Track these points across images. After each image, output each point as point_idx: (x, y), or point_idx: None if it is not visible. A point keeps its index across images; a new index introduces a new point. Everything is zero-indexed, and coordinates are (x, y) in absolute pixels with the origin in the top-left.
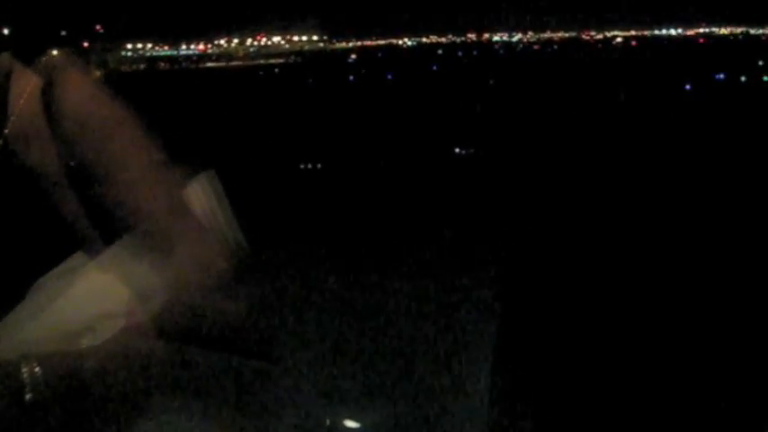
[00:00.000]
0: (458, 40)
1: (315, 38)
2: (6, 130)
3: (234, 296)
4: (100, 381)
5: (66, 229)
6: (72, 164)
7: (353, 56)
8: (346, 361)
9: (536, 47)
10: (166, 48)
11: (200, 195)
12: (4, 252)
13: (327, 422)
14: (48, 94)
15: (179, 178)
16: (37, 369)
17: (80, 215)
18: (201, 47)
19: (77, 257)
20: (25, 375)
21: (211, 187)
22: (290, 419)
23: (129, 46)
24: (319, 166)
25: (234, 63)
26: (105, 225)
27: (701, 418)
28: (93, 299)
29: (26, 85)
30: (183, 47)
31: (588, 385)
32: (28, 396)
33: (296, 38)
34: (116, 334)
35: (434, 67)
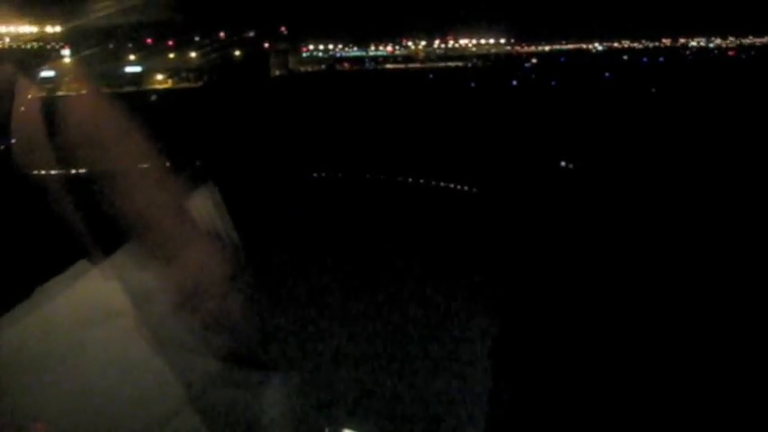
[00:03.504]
0: (651, 45)
1: (502, 41)
2: (10, 138)
3: (233, 303)
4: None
5: (70, 237)
6: (75, 172)
7: (534, 60)
8: (346, 368)
9: (730, 53)
10: (355, 48)
11: (201, 205)
12: (9, 259)
13: (326, 430)
14: (52, 103)
15: (182, 189)
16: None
17: (83, 223)
18: (390, 48)
19: (81, 265)
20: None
21: (212, 198)
22: (289, 426)
23: (321, 47)
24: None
25: (412, 65)
26: (108, 233)
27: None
28: (95, 304)
29: (29, 94)
30: (372, 48)
31: (589, 398)
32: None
33: (483, 40)
34: None
35: (606, 75)
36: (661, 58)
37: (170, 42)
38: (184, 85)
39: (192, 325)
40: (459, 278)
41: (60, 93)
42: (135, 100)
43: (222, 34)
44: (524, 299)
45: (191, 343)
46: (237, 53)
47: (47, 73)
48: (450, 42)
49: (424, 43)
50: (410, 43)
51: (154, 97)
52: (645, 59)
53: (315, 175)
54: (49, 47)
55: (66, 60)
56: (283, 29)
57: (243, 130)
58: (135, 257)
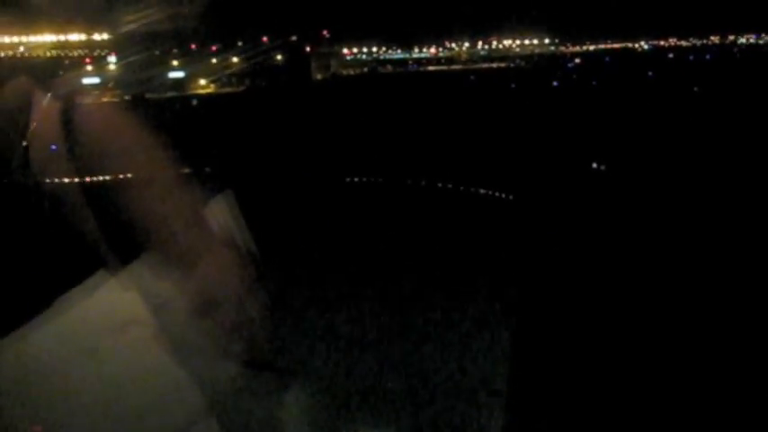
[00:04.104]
0: (698, 42)
1: (547, 41)
2: (26, 150)
3: (250, 311)
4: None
5: (87, 247)
6: (92, 181)
7: (577, 60)
8: (362, 373)
9: None
10: (399, 51)
11: (218, 214)
12: (27, 270)
13: None
14: (68, 114)
15: (199, 197)
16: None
17: (100, 233)
18: (433, 50)
19: (99, 275)
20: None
21: (228, 206)
22: (305, 431)
23: (365, 49)
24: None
25: (455, 67)
26: (126, 242)
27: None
28: (114, 313)
29: (44, 106)
30: (416, 50)
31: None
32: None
33: (527, 41)
34: None
35: (649, 74)
36: (708, 56)
37: (213, 48)
38: (227, 89)
39: (209, 332)
40: (480, 284)
41: (105, 99)
42: (175, 105)
43: (265, 38)
44: (556, 307)
45: (209, 350)
46: (279, 57)
47: (91, 79)
48: (494, 43)
49: (467, 45)
50: (454, 45)
51: (194, 102)
52: (691, 57)
53: (346, 179)
54: (95, 54)
55: (111, 66)
56: (325, 32)
57: (277, 135)
58: (153, 267)
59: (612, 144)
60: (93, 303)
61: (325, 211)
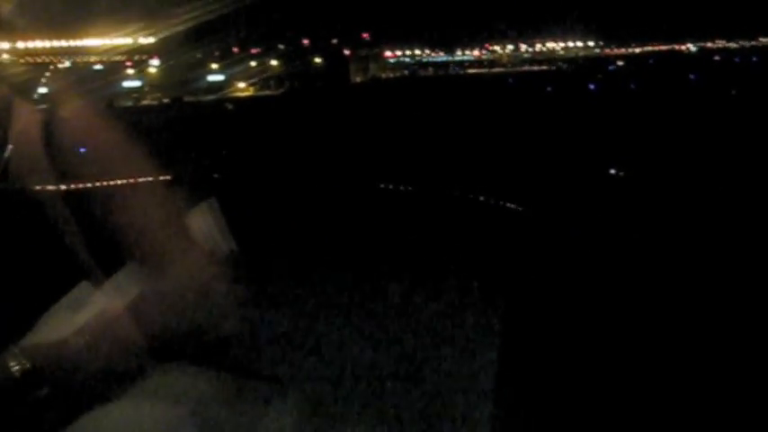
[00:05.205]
0: (748, 44)
1: (591, 43)
2: (7, 159)
3: (239, 319)
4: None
5: (69, 259)
6: (72, 190)
7: (620, 62)
8: (354, 381)
9: None
10: (441, 54)
11: (201, 222)
12: (12, 284)
13: None
14: (49, 123)
15: (181, 206)
16: (26, 362)
17: (82, 243)
18: (476, 53)
19: (82, 287)
20: (16, 370)
21: (212, 213)
22: None
23: (408, 52)
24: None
25: (495, 69)
26: (108, 253)
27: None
28: (99, 328)
29: (25, 115)
30: (459, 53)
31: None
32: (23, 386)
33: (571, 43)
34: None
35: (692, 77)
36: (754, 58)
37: (252, 51)
38: (265, 92)
39: (197, 342)
40: (471, 287)
41: (145, 102)
42: (211, 108)
43: (305, 41)
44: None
45: (196, 360)
46: (318, 60)
47: (132, 83)
48: (538, 46)
49: (511, 47)
50: (497, 47)
51: (230, 106)
52: (737, 59)
53: (352, 185)
54: (135, 58)
55: (153, 70)
56: (366, 35)
57: (309, 139)
58: (137, 277)
59: (652, 153)
60: (77, 318)
61: (330, 217)
